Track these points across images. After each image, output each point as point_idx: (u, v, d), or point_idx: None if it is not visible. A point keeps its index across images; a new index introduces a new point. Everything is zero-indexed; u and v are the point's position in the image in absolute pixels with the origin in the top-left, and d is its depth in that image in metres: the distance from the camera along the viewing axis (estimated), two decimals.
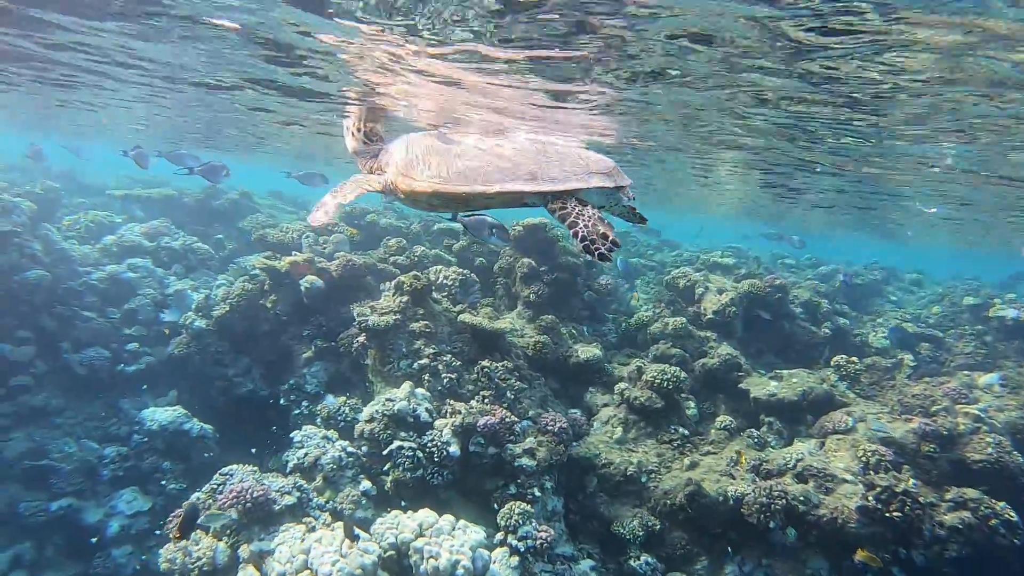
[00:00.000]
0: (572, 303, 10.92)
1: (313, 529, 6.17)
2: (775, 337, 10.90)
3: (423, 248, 11.42)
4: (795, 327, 11.01)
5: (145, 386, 10.32)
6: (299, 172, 11.95)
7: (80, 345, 10.38)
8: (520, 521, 6.60)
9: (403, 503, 7.15)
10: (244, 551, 6.06)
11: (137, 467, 9.53)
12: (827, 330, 11.00)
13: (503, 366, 8.20)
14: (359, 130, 4.45)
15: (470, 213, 6.41)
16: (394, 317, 8.27)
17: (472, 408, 7.44)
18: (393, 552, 5.81)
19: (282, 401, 9.42)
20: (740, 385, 9.30)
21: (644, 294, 13.78)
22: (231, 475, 6.84)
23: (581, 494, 7.99)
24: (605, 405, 9.07)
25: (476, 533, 5.99)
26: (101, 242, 12.11)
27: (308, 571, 5.39)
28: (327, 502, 7.01)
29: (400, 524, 6.03)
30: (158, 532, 9.10)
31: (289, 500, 6.60)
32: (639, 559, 7.26)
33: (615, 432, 8.48)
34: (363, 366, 9.03)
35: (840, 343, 11.00)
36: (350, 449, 7.34)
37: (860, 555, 6.49)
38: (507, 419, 7.45)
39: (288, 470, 7.38)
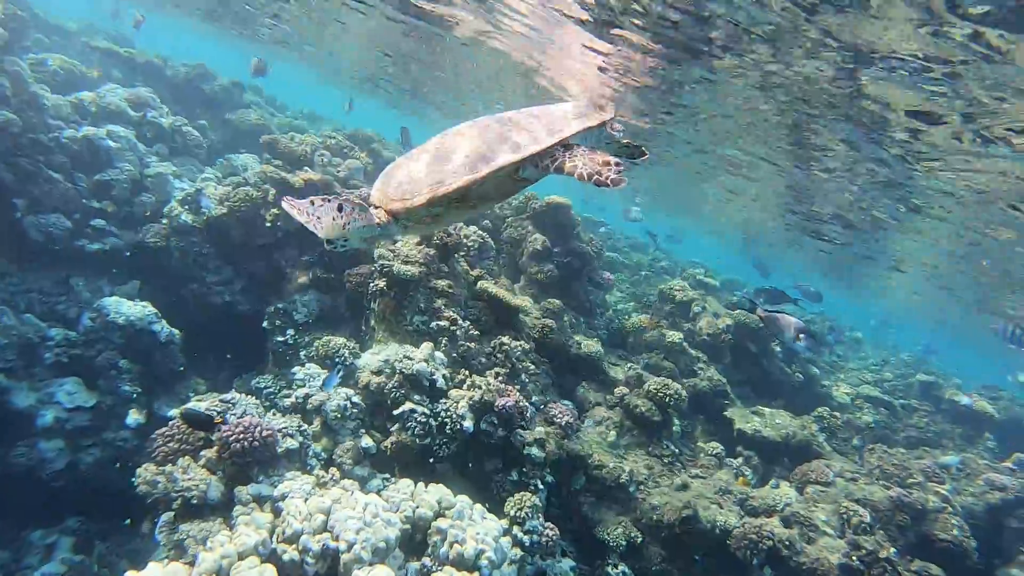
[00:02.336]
0: (574, 289, 10.71)
1: (324, 484, 5.72)
2: (754, 370, 11.16)
3: None
4: (772, 365, 11.31)
5: (114, 270, 9.28)
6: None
7: (39, 207, 9.18)
8: (529, 515, 6.40)
9: (396, 467, 6.81)
10: (242, 492, 5.55)
11: (85, 358, 8.59)
12: (799, 375, 11.38)
13: (521, 346, 7.90)
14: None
15: (776, 309, 6.07)
16: (419, 269, 7.77)
17: (490, 385, 7.12)
18: (408, 527, 5.47)
19: (265, 324, 8.70)
20: (725, 413, 9.45)
21: (618, 291, 13.80)
22: (233, 404, 6.22)
23: (565, 489, 7.88)
24: (598, 404, 8.97)
25: (494, 522, 5.73)
26: (75, 96, 10.69)
27: (328, 534, 4.96)
28: (324, 451, 6.53)
29: (417, 498, 5.68)
30: (106, 435, 8.33)
31: (291, 444, 6.10)
32: (617, 568, 7.25)
33: (609, 435, 8.41)
34: (362, 307, 8.48)
35: (808, 390, 11.42)
36: (355, 400, 6.85)
37: None
38: (521, 403, 7.19)
39: (285, 407, 6.81)
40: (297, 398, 6.75)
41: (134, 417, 8.45)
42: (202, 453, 5.95)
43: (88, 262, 9.35)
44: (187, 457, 5.85)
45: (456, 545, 5.27)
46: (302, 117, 17.70)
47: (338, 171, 10.04)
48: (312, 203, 3.29)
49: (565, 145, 3.35)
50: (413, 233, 3.72)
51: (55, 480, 8.19)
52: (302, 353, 8.47)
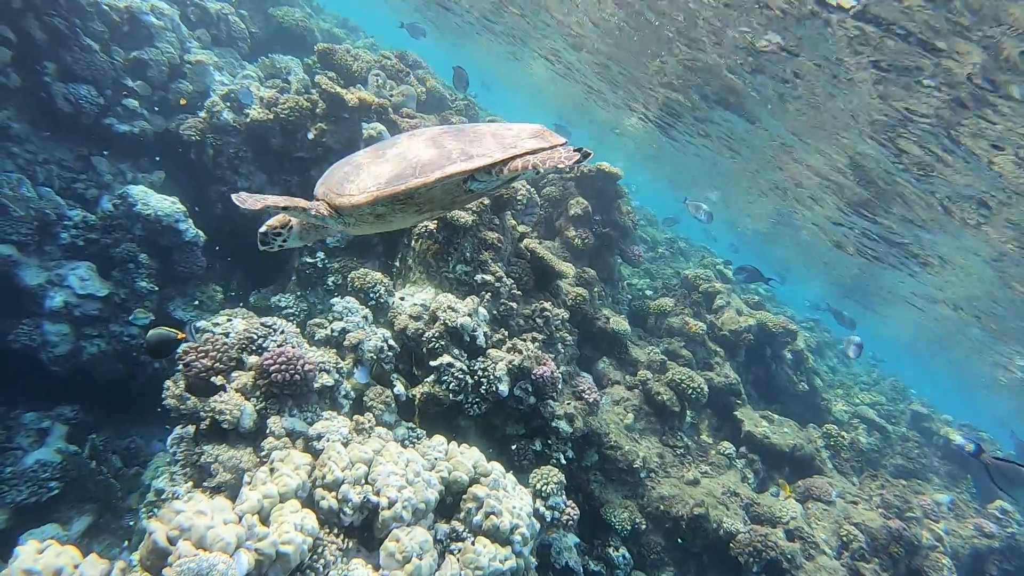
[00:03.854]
0: (605, 260, 10.46)
1: (362, 431, 5.51)
2: (761, 372, 11.15)
3: None
4: (781, 371, 11.30)
5: (145, 159, 8.75)
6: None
7: (70, 75, 8.54)
8: (554, 491, 6.30)
9: (416, 416, 6.62)
10: (275, 425, 5.30)
11: (102, 244, 8.16)
12: (804, 385, 11.40)
13: (561, 316, 7.68)
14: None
15: (1007, 459, 5.81)
16: (472, 217, 7.43)
17: (530, 352, 6.92)
18: (442, 488, 5.31)
19: None
20: (735, 413, 9.42)
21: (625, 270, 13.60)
22: (275, 329, 5.91)
23: (576, 464, 7.82)
24: (617, 383, 8.86)
25: (527, 496, 5.61)
26: None
27: (370, 487, 4.78)
28: (353, 391, 6.29)
29: (453, 459, 5.51)
30: (113, 327, 7.99)
31: (326, 380, 5.83)
32: (618, 550, 7.25)
33: (627, 417, 8.32)
34: (396, 241, 8.16)
35: (808, 400, 11.47)
36: (392, 343, 6.60)
37: None
38: (555, 373, 7.02)
39: (316, 338, 6.52)
40: (333, 331, 6.47)
41: (142, 314, 8.12)
42: (234, 375, 5.69)
43: (114, 143, 8.80)
44: (220, 377, 5.58)
45: (492, 517, 5.13)
46: (340, 24, 16.77)
47: (391, 95, 9.50)
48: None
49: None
50: (355, 231, 3.57)
51: (55, 365, 7.87)
52: (329, 279, 8.17)
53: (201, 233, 8.25)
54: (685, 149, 17.72)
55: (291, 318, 8.04)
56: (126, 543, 6.78)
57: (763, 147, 13.21)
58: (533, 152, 3.11)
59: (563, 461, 6.87)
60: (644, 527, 7.46)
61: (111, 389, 8.29)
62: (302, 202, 3.26)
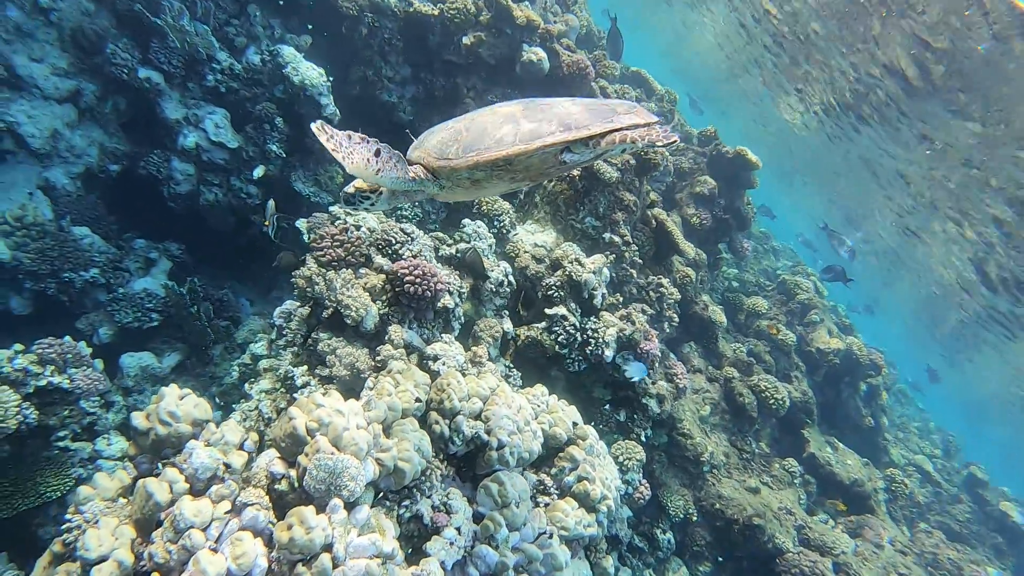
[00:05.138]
0: (713, 246, 10.13)
1: (477, 363, 5.49)
2: (831, 396, 10.89)
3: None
4: (851, 399, 11.03)
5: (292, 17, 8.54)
6: None
7: None
8: (634, 467, 6.31)
9: (511, 355, 6.59)
10: (395, 335, 5.31)
11: (242, 97, 8.12)
12: (870, 420, 11.13)
13: (675, 296, 7.49)
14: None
15: None
16: (616, 174, 7.17)
17: (642, 325, 6.78)
18: (543, 441, 5.31)
19: None
20: (802, 431, 9.27)
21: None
22: (412, 238, 5.85)
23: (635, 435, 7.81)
24: (699, 371, 8.73)
25: (615, 469, 5.61)
26: None
27: (482, 424, 4.80)
28: (465, 316, 6.26)
29: (554, 412, 5.50)
30: (234, 181, 8.04)
31: (447, 302, 5.80)
32: (665, 533, 7.31)
33: (703, 408, 8.23)
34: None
35: (869, 437, 11.22)
36: (511, 279, 6.52)
37: None
38: (656, 352, 6.91)
39: (439, 254, 6.45)
40: (458, 251, 6.39)
41: (260, 172, 8.11)
42: (362, 271, 5.69)
43: None
44: (349, 271, 5.58)
45: (585, 483, 5.15)
46: None
47: (555, 21, 9.05)
48: (349, 137, 3.07)
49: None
50: (445, 197, 3.56)
51: (172, 201, 8.02)
52: None
53: (338, 112, 8.13)
54: (848, 153, 16.48)
55: (403, 220, 7.98)
56: (218, 403, 7.01)
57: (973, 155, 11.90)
58: (629, 128, 3.14)
59: (643, 439, 6.84)
60: (695, 518, 7.48)
61: (216, 239, 8.44)
62: (399, 167, 3.18)
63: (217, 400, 7.29)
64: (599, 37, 11.14)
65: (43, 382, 5.31)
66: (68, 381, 5.44)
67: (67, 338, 5.81)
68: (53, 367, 5.39)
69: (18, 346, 5.61)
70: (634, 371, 6.56)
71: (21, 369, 5.19)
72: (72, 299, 7.20)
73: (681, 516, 7.34)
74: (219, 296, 8.26)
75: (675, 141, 3.08)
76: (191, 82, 7.89)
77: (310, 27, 8.74)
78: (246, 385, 5.82)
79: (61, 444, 5.65)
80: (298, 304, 5.85)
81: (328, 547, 3.51)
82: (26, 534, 5.46)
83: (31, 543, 5.48)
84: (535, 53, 7.93)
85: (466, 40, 8.21)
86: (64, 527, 3.60)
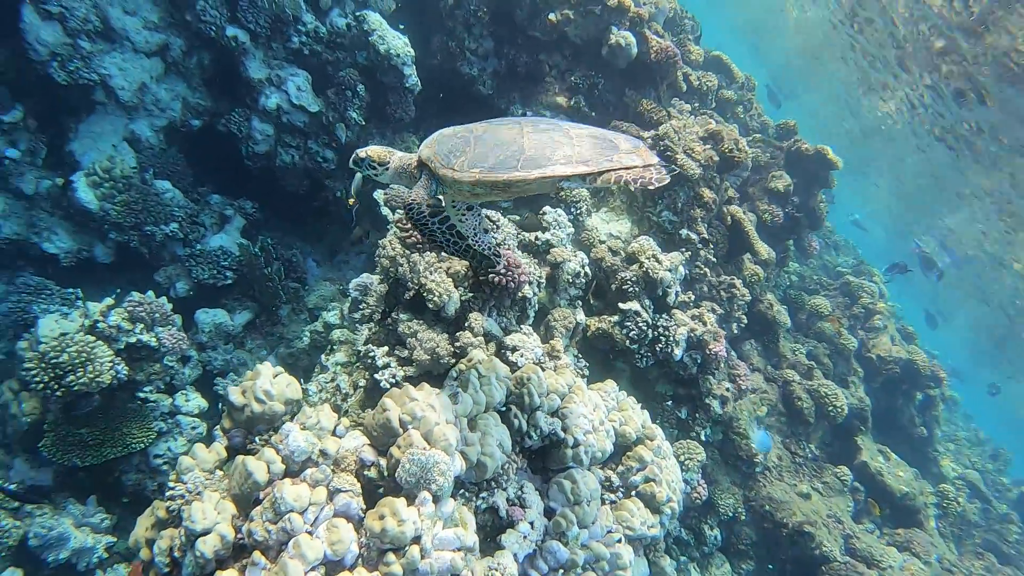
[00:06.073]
0: (782, 243, 9.91)
1: (554, 356, 5.51)
2: (886, 403, 10.71)
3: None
4: (906, 410, 10.83)
5: None
6: None
7: None
8: (694, 467, 6.34)
9: (576, 352, 6.58)
10: (475, 322, 5.32)
11: (325, 61, 8.10)
12: (923, 430, 10.95)
13: (746, 297, 7.39)
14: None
15: None
16: (698, 171, 7.02)
17: (712, 326, 6.72)
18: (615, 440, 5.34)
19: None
20: (855, 438, 9.16)
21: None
22: (497, 226, 5.84)
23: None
24: (757, 370, 8.65)
25: (679, 471, 5.63)
26: None
27: (559, 421, 4.83)
28: (539, 304, 6.26)
29: (625, 411, 5.52)
30: (312, 144, 8.07)
31: (527, 292, 5.79)
32: (712, 530, 7.36)
33: (759, 409, 8.17)
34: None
35: (919, 447, 11.04)
36: (587, 269, 6.48)
37: None
38: (723, 353, 6.86)
39: (518, 239, 6.41)
40: (537, 238, 6.36)
41: (345, 132, 8.11)
42: (443, 256, 5.70)
43: None
44: (432, 254, 5.59)
45: (652, 484, 5.19)
46: None
47: (644, 3, 8.74)
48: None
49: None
50: (445, 198, 3.70)
51: (249, 160, 8.12)
52: None
53: (419, 82, 8.06)
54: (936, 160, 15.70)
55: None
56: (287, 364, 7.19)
57: None
58: (627, 168, 3.20)
59: (703, 437, 6.85)
60: (743, 517, 7.52)
61: (289, 199, 8.54)
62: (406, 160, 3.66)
63: (287, 361, 7.50)
64: (681, 17, 10.77)
65: (133, 339, 5.49)
66: (155, 339, 5.63)
67: (150, 294, 6.00)
68: (142, 324, 5.57)
69: (109, 300, 5.81)
70: (760, 443, 6.71)
71: (114, 326, 5.37)
72: (151, 251, 7.39)
73: (730, 514, 7.38)
74: (289, 256, 8.41)
75: (667, 183, 3.13)
76: (275, 42, 7.89)
77: None
78: (323, 356, 5.95)
79: (142, 396, 5.88)
80: (377, 280, 5.91)
81: (417, 539, 3.61)
82: (111, 479, 5.75)
83: (115, 487, 5.78)
84: (624, 37, 7.71)
85: (551, 16, 8.02)
86: (168, 494, 3.77)
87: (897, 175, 21.64)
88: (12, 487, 5.19)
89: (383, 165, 3.75)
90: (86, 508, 5.33)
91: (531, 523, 4.49)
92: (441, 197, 3.63)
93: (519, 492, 4.59)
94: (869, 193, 28.16)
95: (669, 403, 6.84)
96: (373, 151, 3.74)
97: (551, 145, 3.28)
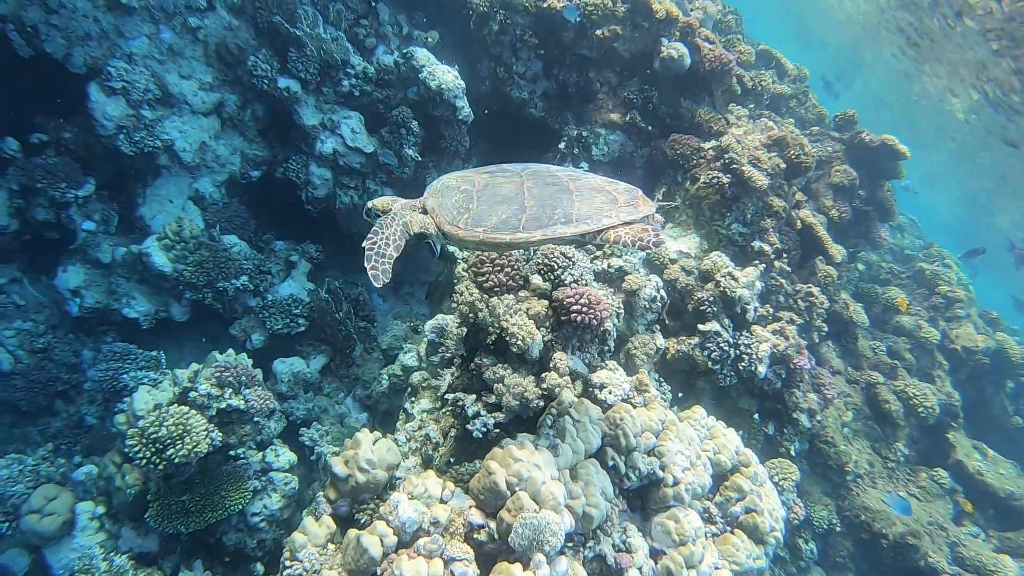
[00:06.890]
0: (850, 238, 9.56)
1: (643, 391, 5.41)
2: (974, 394, 10.24)
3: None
4: (998, 400, 10.33)
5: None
6: None
7: None
8: (789, 487, 6.16)
9: (657, 375, 6.44)
10: (560, 360, 5.23)
11: (375, 100, 8.15)
12: (1019, 419, 10.44)
13: (824, 305, 7.16)
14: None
15: None
16: (766, 181, 6.81)
17: (795, 339, 6.52)
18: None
19: (562, 145, 8.01)
20: (947, 435, 8.79)
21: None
22: (572, 262, 5.76)
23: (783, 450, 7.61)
24: (838, 373, 8.37)
25: (777, 496, 5.47)
26: None
27: (657, 460, 4.74)
28: (618, 332, 6.15)
29: (718, 439, 5.38)
30: (370, 183, 8.14)
31: (608, 325, 5.70)
32: (808, 544, 7.15)
33: (845, 415, 7.91)
34: (664, 172, 7.69)
35: (1015, 439, 10.51)
36: (663, 293, 6.34)
37: None
38: (808, 366, 6.65)
39: (592, 271, 6.29)
40: (610, 267, 6.27)
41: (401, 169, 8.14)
42: (521, 294, 5.65)
43: None
44: (511, 296, 5.55)
45: (754, 515, 5.04)
46: None
47: (692, 10, 8.54)
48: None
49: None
50: (449, 244, 3.80)
51: (309, 204, 8.22)
52: None
53: (471, 113, 8.04)
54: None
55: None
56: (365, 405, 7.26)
57: None
58: (623, 226, 3.34)
59: (792, 453, 6.66)
60: (838, 529, 7.29)
61: (349, 239, 8.62)
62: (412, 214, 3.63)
63: (366, 403, 7.56)
64: (725, 13, 10.51)
65: (223, 404, 5.59)
66: (243, 402, 5.72)
67: (231, 352, 6.12)
68: (231, 389, 5.67)
69: (195, 365, 5.95)
70: (897, 506, 6.64)
71: (205, 394, 5.48)
72: (225, 306, 7.54)
73: (825, 526, 7.16)
74: (355, 295, 8.47)
75: (657, 244, 3.25)
76: (326, 87, 7.97)
77: (434, 29, 8.60)
78: (407, 403, 5.96)
79: (234, 455, 5.98)
80: (453, 321, 5.90)
81: None
82: (212, 540, 5.88)
83: (217, 548, 5.91)
84: (675, 49, 7.53)
85: (598, 32, 7.90)
86: (286, 573, 3.80)
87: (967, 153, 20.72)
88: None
89: (386, 214, 3.80)
90: (193, 574, 5.46)
91: (639, 569, 4.41)
92: (437, 243, 3.75)
93: (623, 536, 4.51)
94: (921, 160, 27.14)
95: (756, 418, 6.66)
96: (378, 202, 3.91)
97: (551, 202, 3.37)
